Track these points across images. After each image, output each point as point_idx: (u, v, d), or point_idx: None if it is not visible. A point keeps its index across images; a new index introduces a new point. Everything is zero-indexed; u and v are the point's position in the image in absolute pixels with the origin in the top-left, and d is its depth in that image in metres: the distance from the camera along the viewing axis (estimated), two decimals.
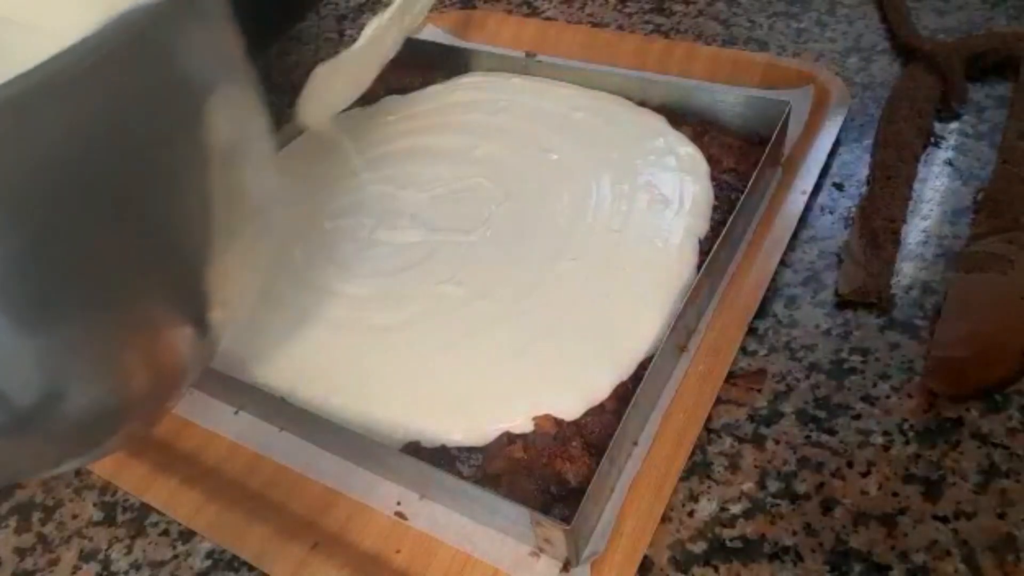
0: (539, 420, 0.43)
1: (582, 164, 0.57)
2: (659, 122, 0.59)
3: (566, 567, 0.40)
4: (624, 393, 0.44)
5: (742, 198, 0.50)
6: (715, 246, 0.48)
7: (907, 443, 0.42)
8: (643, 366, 0.45)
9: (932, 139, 0.57)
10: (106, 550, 0.46)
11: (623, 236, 0.52)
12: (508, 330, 0.48)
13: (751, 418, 0.45)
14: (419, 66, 0.69)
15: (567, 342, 0.47)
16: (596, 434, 0.43)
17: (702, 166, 0.55)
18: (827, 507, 0.41)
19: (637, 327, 0.47)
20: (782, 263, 0.51)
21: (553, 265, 0.51)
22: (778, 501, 0.41)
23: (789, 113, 0.55)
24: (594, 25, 0.75)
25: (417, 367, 0.47)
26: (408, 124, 0.65)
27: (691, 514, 0.42)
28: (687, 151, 0.56)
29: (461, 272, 0.52)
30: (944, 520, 0.39)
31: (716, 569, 0.39)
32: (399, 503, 0.44)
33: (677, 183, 0.54)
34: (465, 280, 0.52)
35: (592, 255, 0.51)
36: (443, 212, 0.57)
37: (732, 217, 0.49)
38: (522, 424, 0.43)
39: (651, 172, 0.55)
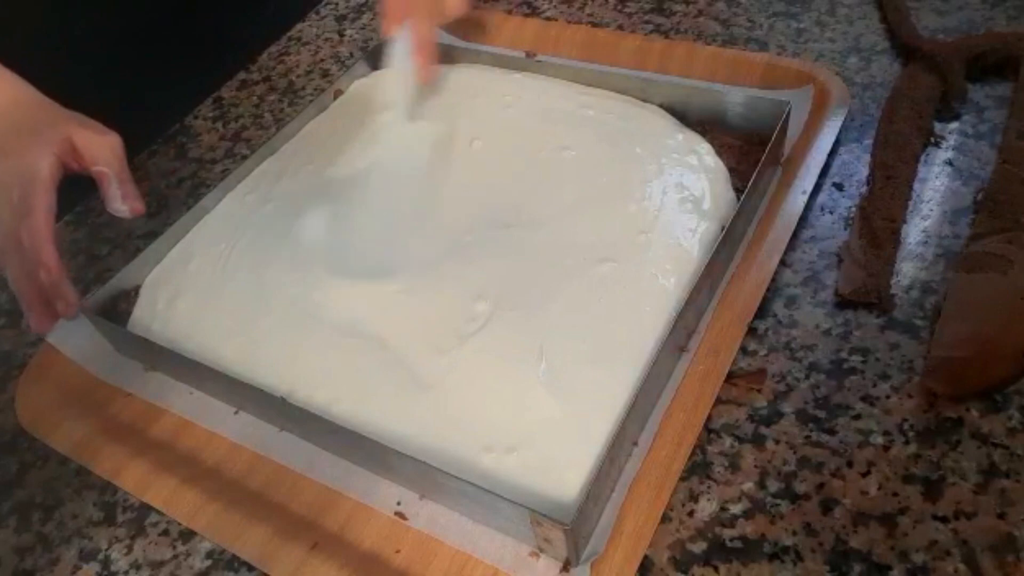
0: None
1: (605, 161, 0.56)
2: (669, 120, 0.59)
3: (566, 567, 0.40)
4: None
5: (742, 198, 0.50)
6: (715, 246, 0.48)
7: (907, 443, 0.42)
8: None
9: (932, 139, 0.57)
10: (106, 550, 0.46)
11: (650, 238, 0.51)
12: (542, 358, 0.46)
13: (751, 418, 0.45)
14: None
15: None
16: None
17: (721, 165, 0.55)
18: (827, 507, 0.41)
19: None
20: (782, 263, 0.51)
21: (590, 268, 0.50)
22: (778, 501, 0.41)
23: (789, 113, 0.55)
24: (594, 25, 0.75)
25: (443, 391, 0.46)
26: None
27: (691, 514, 0.42)
28: (706, 148, 0.56)
29: (488, 286, 0.50)
30: (944, 520, 0.39)
31: (716, 569, 0.39)
32: (399, 503, 0.44)
33: (704, 183, 0.53)
34: (494, 296, 0.49)
35: (631, 261, 0.50)
36: (460, 217, 0.55)
37: (732, 217, 0.49)
38: None
39: (680, 171, 0.54)
